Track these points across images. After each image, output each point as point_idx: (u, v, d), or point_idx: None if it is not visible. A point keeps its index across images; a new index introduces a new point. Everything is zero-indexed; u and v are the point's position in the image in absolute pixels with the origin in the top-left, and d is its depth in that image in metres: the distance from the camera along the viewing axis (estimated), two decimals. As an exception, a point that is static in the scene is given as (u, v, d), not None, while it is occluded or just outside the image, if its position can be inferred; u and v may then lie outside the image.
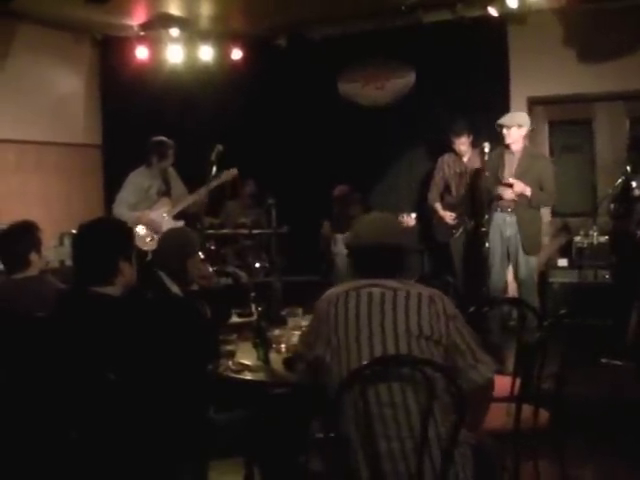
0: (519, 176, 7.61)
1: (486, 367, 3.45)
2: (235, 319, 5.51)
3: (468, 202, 8.61)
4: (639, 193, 7.59)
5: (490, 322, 7.27)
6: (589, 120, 9.77)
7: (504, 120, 7.71)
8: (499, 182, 7.62)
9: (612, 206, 8.28)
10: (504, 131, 7.66)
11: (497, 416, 4.33)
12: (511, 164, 7.68)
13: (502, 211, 7.59)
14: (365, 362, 3.25)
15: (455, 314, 3.45)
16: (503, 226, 7.58)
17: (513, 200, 7.60)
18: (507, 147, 7.72)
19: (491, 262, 7.71)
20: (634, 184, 7.62)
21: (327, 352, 3.42)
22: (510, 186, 7.52)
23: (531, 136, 9.57)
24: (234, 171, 8.45)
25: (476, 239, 8.23)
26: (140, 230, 8.01)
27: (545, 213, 9.74)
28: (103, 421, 3.37)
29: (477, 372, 3.41)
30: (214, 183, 8.12)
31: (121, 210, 8.24)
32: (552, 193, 7.83)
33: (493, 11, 8.93)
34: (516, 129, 7.65)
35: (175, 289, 4.62)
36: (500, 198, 7.56)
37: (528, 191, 7.54)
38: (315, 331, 3.53)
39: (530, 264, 7.77)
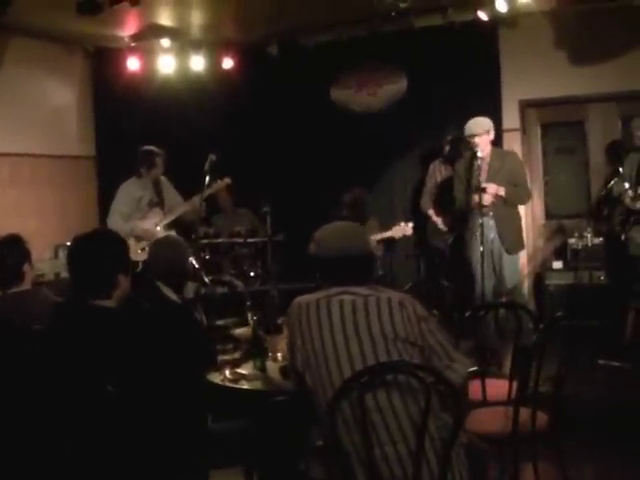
0: (492, 178, 7.55)
1: (461, 365, 3.50)
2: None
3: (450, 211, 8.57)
4: (630, 194, 7.59)
5: (486, 326, 7.27)
6: (582, 122, 9.78)
7: (475, 129, 7.59)
8: (474, 190, 7.54)
9: (598, 208, 8.32)
10: (476, 140, 7.57)
11: (496, 420, 4.34)
12: (482, 169, 7.60)
13: (483, 216, 7.49)
14: (345, 371, 3.29)
15: (426, 316, 3.48)
16: (486, 230, 7.52)
17: (492, 203, 7.56)
18: (474, 154, 7.61)
19: (474, 269, 7.66)
20: (626, 185, 7.62)
21: (306, 369, 3.44)
22: (484, 190, 7.47)
23: (524, 139, 9.63)
24: (227, 180, 8.47)
25: (461, 247, 8.19)
26: (132, 241, 8.00)
27: (539, 215, 9.80)
28: (102, 433, 3.37)
29: (453, 371, 3.44)
30: (207, 192, 8.13)
31: (115, 221, 8.25)
32: (526, 188, 7.86)
33: (483, 15, 8.94)
34: (486, 136, 7.62)
35: (174, 297, 4.62)
36: (479, 205, 7.48)
37: (502, 191, 7.50)
38: (290, 339, 3.55)
39: (514, 263, 7.75)
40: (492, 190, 7.48)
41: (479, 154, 7.49)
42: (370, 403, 3.25)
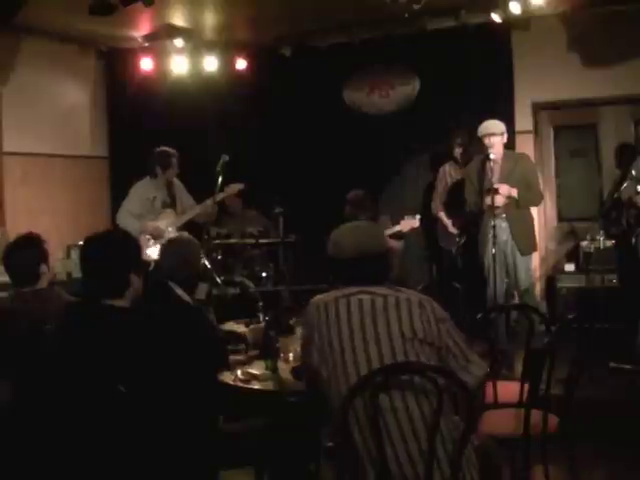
0: (504, 180, 7.51)
1: (477, 367, 3.52)
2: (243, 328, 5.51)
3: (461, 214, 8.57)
4: (634, 199, 7.57)
5: (498, 328, 7.25)
6: (594, 124, 9.77)
7: (492, 128, 7.57)
8: (486, 192, 7.52)
9: (608, 211, 8.32)
10: (492, 139, 7.55)
11: (507, 422, 4.34)
12: (494, 171, 7.57)
13: (496, 218, 7.46)
14: (362, 369, 3.30)
15: (444, 317, 3.49)
16: (499, 232, 7.49)
17: (505, 205, 7.54)
18: (487, 156, 7.60)
19: (486, 271, 7.64)
20: (639, 188, 7.60)
21: (322, 366, 3.44)
22: (496, 191, 7.45)
23: (536, 141, 9.62)
24: (239, 185, 8.48)
25: (473, 249, 8.17)
26: (143, 240, 8.02)
27: (551, 218, 9.78)
28: (114, 433, 3.38)
29: (468, 373, 3.45)
30: (220, 196, 8.15)
31: (125, 219, 8.28)
32: (539, 190, 7.84)
33: (496, 17, 8.93)
34: (501, 137, 7.60)
35: (186, 297, 4.62)
36: (492, 207, 7.45)
37: (514, 192, 7.49)
38: (307, 339, 3.55)
39: (527, 265, 7.73)
40: (504, 191, 7.45)
41: (492, 156, 7.47)
42: (383, 402, 3.25)
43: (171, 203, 8.49)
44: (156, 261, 7.39)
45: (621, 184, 7.89)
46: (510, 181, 7.51)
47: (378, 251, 3.61)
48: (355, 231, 3.72)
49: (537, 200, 7.85)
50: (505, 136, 7.66)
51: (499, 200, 7.45)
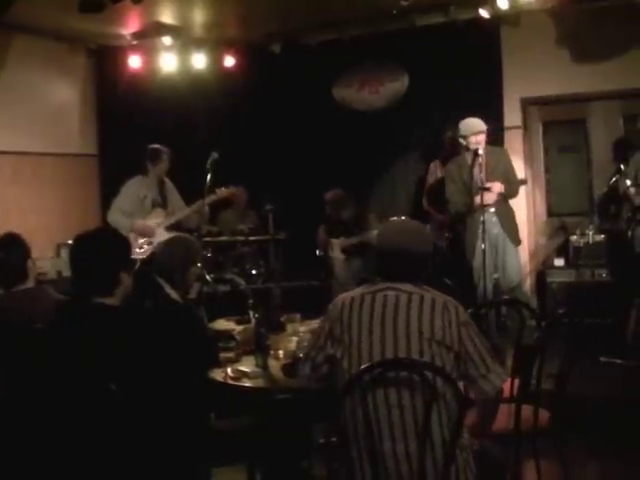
0: (490, 176, 7.55)
1: (497, 376, 3.47)
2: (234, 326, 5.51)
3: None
4: (627, 192, 7.59)
5: (488, 324, 7.26)
6: (583, 119, 9.78)
7: (482, 126, 7.61)
8: (478, 190, 7.51)
9: (606, 205, 8.32)
10: (479, 137, 7.55)
11: (498, 417, 4.35)
12: (480, 168, 7.57)
13: (486, 213, 7.46)
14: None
15: (468, 322, 3.45)
16: (489, 226, 7.49)
17: (495, 201, 7.56)
18: (476, 154, 7.57)
19: (476, 266, 7.64)
20: (628, 182, 7.63)
21: (338, 350, 3.44)
22: (488, 190, 7.45)
23: (525, 137, 9.63)
24: (232, 189, 8.49)
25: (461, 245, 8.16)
26: (133, 238, 8.02)
27: (541, 213, 9.80)
28: (105, 431, 3.38)
29: (488, 382, 3.43)
30: (211, 198, 8.16)
31: (115, 216, 8.29)
32: (517, 182, 7.92)
33: (485, 13, 8.94)
34: (484, 134, 7.61)
35: (174, 295, 4.62)
36: (482, 205, 7.44)
37: (503, 188, 7.53)
38: (326, 333, 3.54)
39: (517, 258, 7.77)
40: (497, 189, 7.48)
41: (480, 152, 7.48)
42: (381, 399, 3.27)
43: (162, 203, 8.49)
44: (143, 260, 7.43)
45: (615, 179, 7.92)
46: (495, 176, 7.53)
47: (418, 252, 3.60)
48: (401, 227, 3.76)
49: (517, 192, 7.89)
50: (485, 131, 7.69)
51: (491, 197, 7.45)
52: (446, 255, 9.07)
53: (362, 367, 3.27)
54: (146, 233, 8.21)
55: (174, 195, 8.65)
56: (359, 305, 3.45)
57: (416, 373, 3.22)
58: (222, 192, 8.39)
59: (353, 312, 3.44)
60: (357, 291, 3.54)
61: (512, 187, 7.68)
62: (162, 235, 7.83)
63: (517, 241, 7.73)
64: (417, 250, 3.60)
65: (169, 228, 8.25)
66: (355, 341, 3.39)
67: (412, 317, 3.37)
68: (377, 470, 3.25)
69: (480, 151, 7.46)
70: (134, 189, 8.41)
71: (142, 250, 8.04)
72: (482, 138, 7.55)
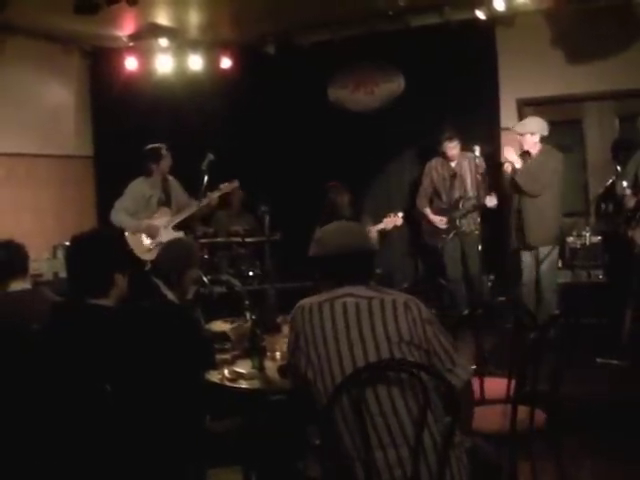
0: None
1: (463, 370, 3.47)
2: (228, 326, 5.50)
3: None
4: (627, 192, 7.60)
5: (484, 324, 7.27)
6: (579, 120, 9.79)
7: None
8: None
9: (602, 206, 8.33)
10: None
11: (494, 418, 4.35)
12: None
13: None
14: (348, 372, 3.26)
15: (431, 319, 3.44)
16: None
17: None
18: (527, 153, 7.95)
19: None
20: (625, 183, 7.63)
21: (308, 368, 3.41)
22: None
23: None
24: (235, 183, 8.49)
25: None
26: (143, 239, 8.04)
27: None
28: (100, 432, 3.38)
29: (455, 376, 3.41)
30: (216, 194, 8.17)
31: (120, 217, 8.28)
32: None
33: (481, 14, 8.95)
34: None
35: (171, 296, 4.61)
36: None
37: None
38: (293, 342, 3.51)
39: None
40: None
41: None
42: (371, 404, 3.24)
43: (166, 201, 8.48)
44: (152, 261, 7.43)
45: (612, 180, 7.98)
46: None
47: (361, 249, 3.59)
48: (338, 230, 3.71)
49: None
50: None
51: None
52: (441, 255, 9.08)
53: (338, 384, 3.24)
54: (152, 233, 8.20)
55: (179, 193, 8.65)
56: (319, 315, 3.41)
57: (406, 374, 3.22)
58: (226, 187, 8.41)
59: (314, 323, 3.40)
60: (315, 299, 3.50)
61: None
62: (169, 234, 7.88)
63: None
64: (362, 248, 3.60)
65: (176, 227, 8.26)
66: (323, 355, 3.35)
67: (376, 323, 3.34)
68: (371, 478, 3.24)
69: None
70: (139, 189, 8.42)
71: (151, 251, 8.01)
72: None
